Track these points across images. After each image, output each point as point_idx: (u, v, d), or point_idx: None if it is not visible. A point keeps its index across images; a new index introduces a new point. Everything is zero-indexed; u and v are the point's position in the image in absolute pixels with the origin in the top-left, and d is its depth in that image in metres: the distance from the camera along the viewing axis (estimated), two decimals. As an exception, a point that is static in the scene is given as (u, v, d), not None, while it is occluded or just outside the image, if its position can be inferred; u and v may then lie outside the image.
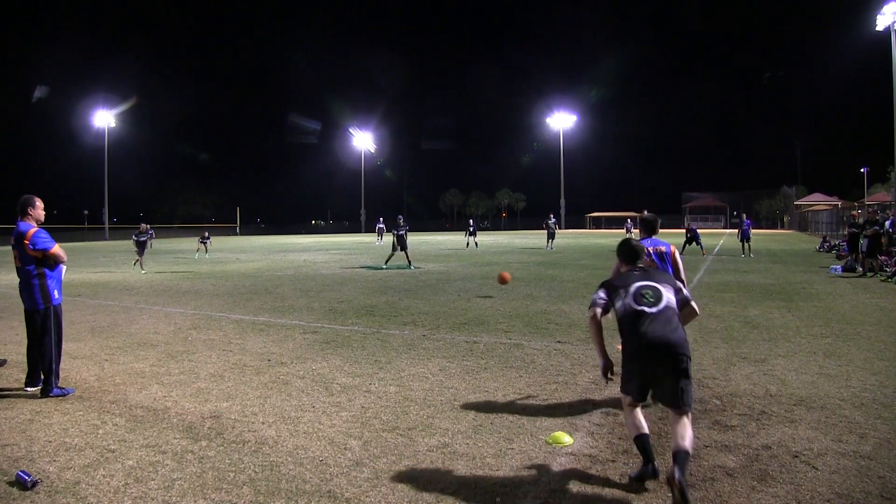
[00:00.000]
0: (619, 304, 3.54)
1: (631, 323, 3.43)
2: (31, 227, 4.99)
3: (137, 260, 18.51)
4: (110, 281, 15.21)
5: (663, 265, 4.98)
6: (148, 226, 20.47)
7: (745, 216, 23.14)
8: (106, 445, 3.85)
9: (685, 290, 3.71)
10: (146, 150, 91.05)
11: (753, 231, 23.34)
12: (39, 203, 5.15)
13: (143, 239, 18.85)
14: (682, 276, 4.97)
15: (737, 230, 22.63)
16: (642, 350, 3.34)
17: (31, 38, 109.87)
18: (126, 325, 8.46)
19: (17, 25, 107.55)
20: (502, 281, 9.59)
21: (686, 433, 3.16)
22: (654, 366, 3.32)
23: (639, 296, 3.52)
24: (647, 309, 3.44)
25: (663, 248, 5.05)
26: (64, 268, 5.33)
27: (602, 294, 3.62)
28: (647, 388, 3.43)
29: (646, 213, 5.65)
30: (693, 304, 3.66)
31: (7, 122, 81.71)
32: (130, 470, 3.47)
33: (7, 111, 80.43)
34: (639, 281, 3.61)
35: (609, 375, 3.54)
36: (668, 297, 3.51)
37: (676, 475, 2.89)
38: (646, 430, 3.41)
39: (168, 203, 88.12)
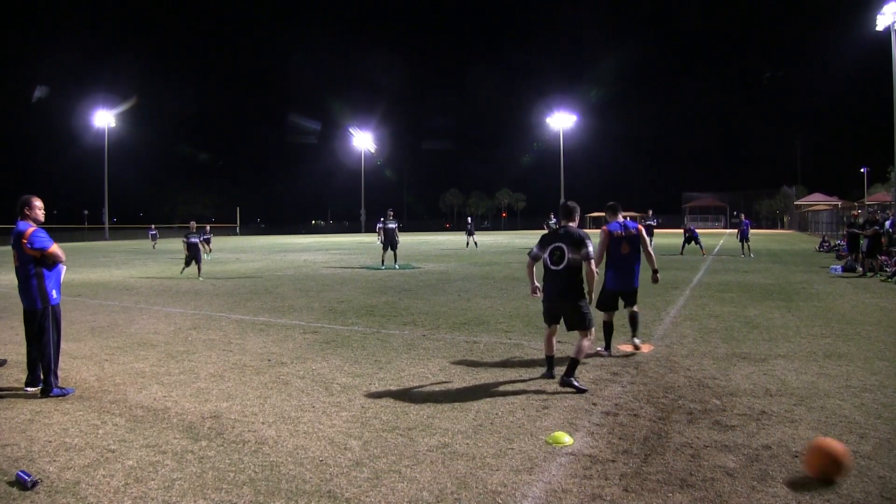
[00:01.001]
0: (544, 255, 5.11)
1: (545, 272, 5.13)
2: (30, 227, 5.01)
3: (197, 266, 15.62)
4: (110, 281, 15.21)
5: (635, 243, 6.29)
6: (195, 223, 16.88)
7: (743, 216, 23.15)
8: (106, 445, 3.85)
9: (588, 249, 4.93)
10: (146, 150, 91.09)
11: (753, 231, 23.33)
12: (38, 203, 5.15)
13: (193, 240, 15.87)
14: (650, 248, 6.45)
15: (736, 230, 22.59)
16: (551, 293, 5.07)
17: (31, 38, 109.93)
18: (126, 325, 8.46)
19: (17, 25, 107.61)
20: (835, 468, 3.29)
21: (580, 346, 4.93)
22: (558, 305, 5.06)
23: (551, 254, 5.06)
24: (553, 267, 5.03)
25: (633, 232, 6.29)
26: (64, 268, 5.33)
27: (536, 249, 5.17)
28: (556, 318, 5.11)
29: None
30: (591, 262, 4.95)
31: (7, 122, 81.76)
32: (130, 470, 3.47)
33: (7, 111, 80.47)
34: (556, 241, 5.05)
35: (536, 294, 5.19)
36: (570, 257, 4.92)
37: (562, 379, 4.89)
38: (552, 353, 5.29)
39: (168, 203, 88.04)
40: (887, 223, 17.65)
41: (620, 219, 6.33)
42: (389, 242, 17.51)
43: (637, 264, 6.32)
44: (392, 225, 17.54)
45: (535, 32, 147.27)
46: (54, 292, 5.11)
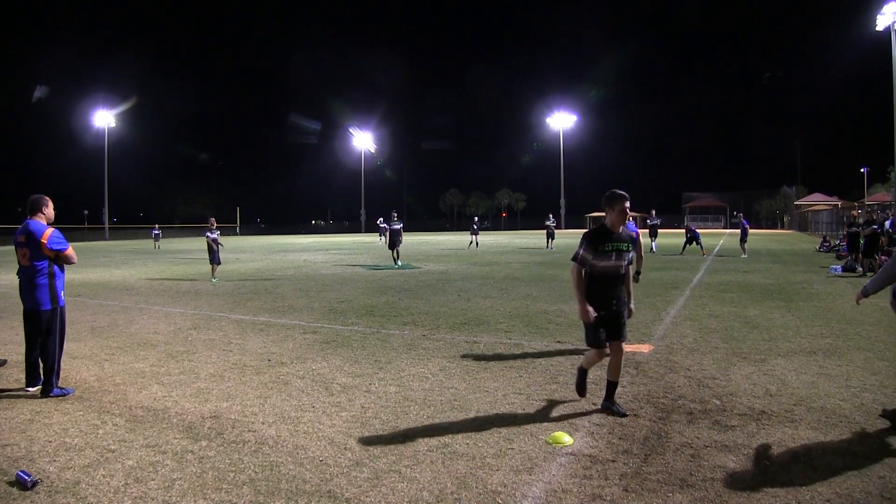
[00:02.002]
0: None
1: None
2: (47, 227, 5.06)
3: (213, 267, 14.99)
4: (110, 281, 15.21)
5: (634, 245, 5.98)
6: (214, 220, 15.55)
7: (742, 216, 23.29)
8: (106, 445, 3.85)
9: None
10: (146, 150, 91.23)
11: (752, 231, 23.40)
12: (50, 202, 5.25)
13: (215, 235, 14.94)
14: (641, 251, 6.51)
15: (739, 230, 22.63)
16: None
17: (31, 38, 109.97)
18: (126, 325, 8.46)
19: (17, 25, 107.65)
20: None
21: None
22: None
23: None
24: None
25: (633, 235, 5.90)
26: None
27: None
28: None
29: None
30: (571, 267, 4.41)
31: (7, 122, 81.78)
32: (130, 470, 3.47)
33: (7, 111, 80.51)
34: None
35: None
36: None
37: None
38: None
39: (168, 203, 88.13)
40: (887, 223, 17.65)
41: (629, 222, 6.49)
42: (394, 242, 18.76)
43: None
44: (397, 226, 18.84)
45: (535, 32, 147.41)
46: (62, 293, 5.15)
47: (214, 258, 14.88)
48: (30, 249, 4.99)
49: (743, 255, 20.66)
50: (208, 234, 14.97)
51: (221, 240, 15.31)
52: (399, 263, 18.53)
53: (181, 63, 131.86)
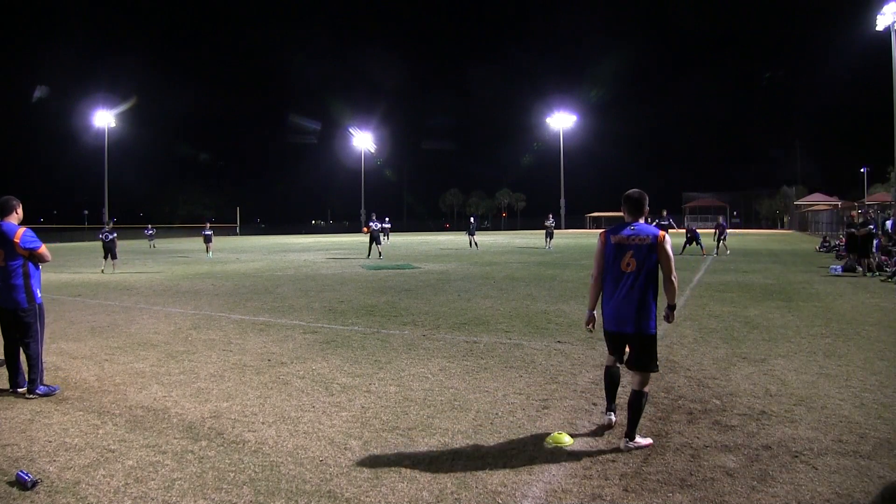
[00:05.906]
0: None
1: None
2: (19, 227, 5.10)
3: (112, 262, 17.80)
4: (110, 281, 15.20)
5: (647, 258, 3.86)
6: (111, 224, 18.99)
7: (720, 219, 23.90)
8: (106, 445, 3.85)
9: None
10: (146, 150, 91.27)
11: (756, 231, 23.98)
12: (20, 204, 5.29)
13: (100, 236, 17.97)
14: (673, 272, 3.89)
15: (716, 230, 23.20)
16: None
17: (31, 38, 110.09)
18: (126, 325, 8.45)
19: (17, 25, 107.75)
20: None
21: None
22: None
23: None
24: None
25: (648, 240, 3.87)
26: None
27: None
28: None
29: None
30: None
31: (7, 122, 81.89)
32: (130, 470, 3.47)
33: (7, 111, 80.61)
34: None
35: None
36: None
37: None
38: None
39: (168, 203, 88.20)
40: (888, 223, 17.64)
41: (641, 221, 4.00)
42: (375, 239, 22.07)
43: (650, 293, 3.82)
44: (375, 225, 22.10)
45: (534, 33, 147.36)
46: (38, 291, 5.17)
47: (110, 255, 17.68)
48: (3, 250, 5.03)
49: (714, 253, 21.37)
50: (99, 234, 17.98)
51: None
52: (381, 257, 21.64)
53: (181, 63, 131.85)
